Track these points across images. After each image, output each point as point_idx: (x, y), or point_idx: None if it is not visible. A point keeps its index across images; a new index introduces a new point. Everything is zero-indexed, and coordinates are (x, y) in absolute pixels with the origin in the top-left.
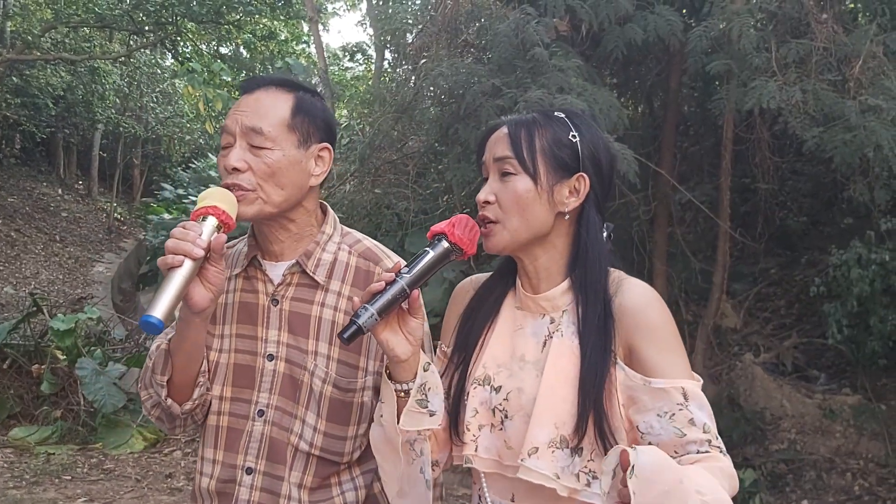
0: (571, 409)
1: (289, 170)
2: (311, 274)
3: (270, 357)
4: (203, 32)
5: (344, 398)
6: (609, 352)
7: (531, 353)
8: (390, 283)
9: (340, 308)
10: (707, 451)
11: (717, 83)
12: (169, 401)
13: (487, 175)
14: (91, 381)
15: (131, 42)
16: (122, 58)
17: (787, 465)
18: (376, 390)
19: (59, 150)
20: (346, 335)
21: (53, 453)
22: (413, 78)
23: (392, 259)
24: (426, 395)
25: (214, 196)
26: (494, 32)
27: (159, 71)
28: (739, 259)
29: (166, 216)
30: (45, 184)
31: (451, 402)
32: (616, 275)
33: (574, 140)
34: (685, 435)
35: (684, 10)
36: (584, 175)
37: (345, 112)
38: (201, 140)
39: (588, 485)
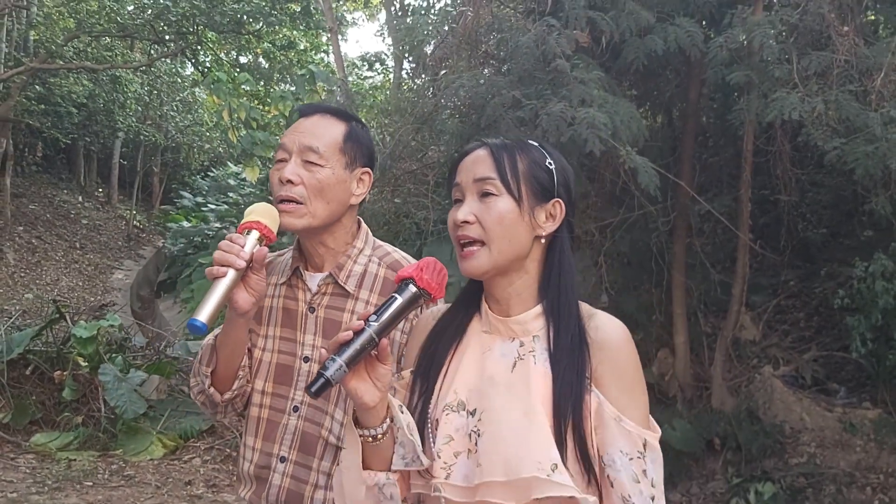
0: (549, 433)
1: (336, 187)
2: (342, 284)
3: (307, 359)
4: (223, 42)
5: None
6: (584, 376)
7: (501, 373)
8: (358, 333)
9: None
10: None
11: (736, 95)
12: (212, 389)
13: (461, 197)
14: (113, 388)
15: (152, 51)
16: (144, 67)
17: (807, 479)
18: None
19: (80, 157)
20: (313, 389)
21: (74, 459)
22: (432, 89)
23: None
24: (413, 435)
25: (259, 212)
26: (515, 44)
27: (179, 80)
28: (758, 271)
29: (185, 224)
30: (65, 191)
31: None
32: (584, 306)
33: (551, 167)
34: (638, 482)
35: (704, 22)
36: (560, 200)
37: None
38: (220, 149)
39: None
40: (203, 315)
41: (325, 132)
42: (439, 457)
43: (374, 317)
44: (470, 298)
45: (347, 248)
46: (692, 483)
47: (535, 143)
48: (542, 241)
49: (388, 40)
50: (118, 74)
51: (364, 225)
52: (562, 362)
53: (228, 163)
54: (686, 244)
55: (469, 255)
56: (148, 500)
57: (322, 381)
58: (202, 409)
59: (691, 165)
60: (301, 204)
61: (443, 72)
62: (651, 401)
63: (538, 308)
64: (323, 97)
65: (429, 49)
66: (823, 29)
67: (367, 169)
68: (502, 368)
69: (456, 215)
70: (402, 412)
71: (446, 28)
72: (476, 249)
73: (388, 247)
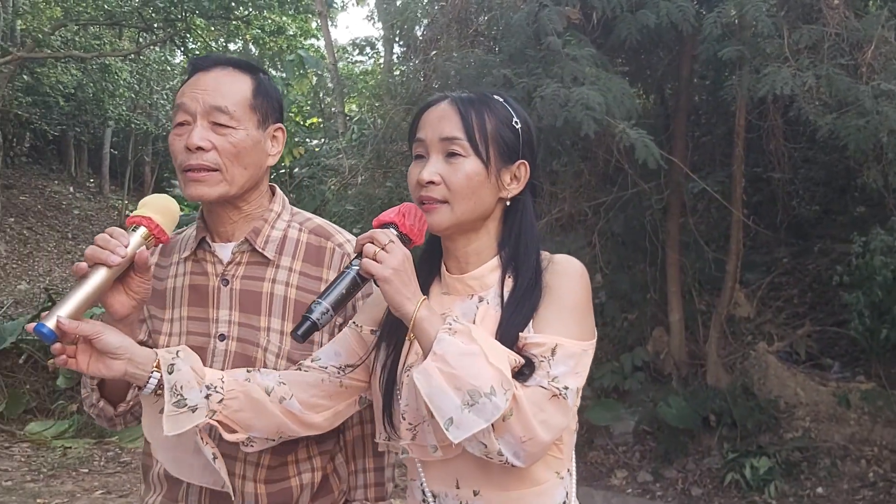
0: None
1: (252, 149)
2: (260, 250)
3: (222, 337)
4: (212, 28)
5: None
6: (528, 320)
7: None
8: (340, 275)
9: (292, 283)
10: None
11: (728, 72)
12: (101, 402)
13: (424, 154)
14: None
15: (141, 39)
16: (132, 55)
17: (802, 453)
18: None
19: (71, 148)
20: (299, 332)
21: (70, 447)
22: (423, 70)
23: (344, 235)
24: (182, 395)
25: (153, 206)
26: (507, 22)
27: (169, 68)
28: (752, 248)
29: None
30: (56, 182)
31: (384, 394)
32: (546, 254)
33: (517, 127)
34: (536, 379)
35: None
36: (525, 162)
37: (354, 106)
38: None
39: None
40: (51, 319)
41: (232, 88)
42: (404, 419)
43: (356, 260)
44: (431, 260)
45: (263, 212)
46: (688, 459)
47: (501, 99)
48: (507, 202)
49: (379, 24)
50: (107, 63)
51: (279, 190)
52: (511, 307)
53: None
54: (680, 222)
55: (430, 210)
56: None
57: (308, 323)
58: (97, 421)
59: (684, 143)
60: (216, 171)
61: (433, 52)
62: (647, 379)
63: (494, 261)
64: (313, 82)
65: (419, 31)
66: (814, 2)
67: (280, 125)
68: None
69: (422, 175)
70: (172, 372)
71: (436, 8)
72: (437, 206)
73: (307, 213)
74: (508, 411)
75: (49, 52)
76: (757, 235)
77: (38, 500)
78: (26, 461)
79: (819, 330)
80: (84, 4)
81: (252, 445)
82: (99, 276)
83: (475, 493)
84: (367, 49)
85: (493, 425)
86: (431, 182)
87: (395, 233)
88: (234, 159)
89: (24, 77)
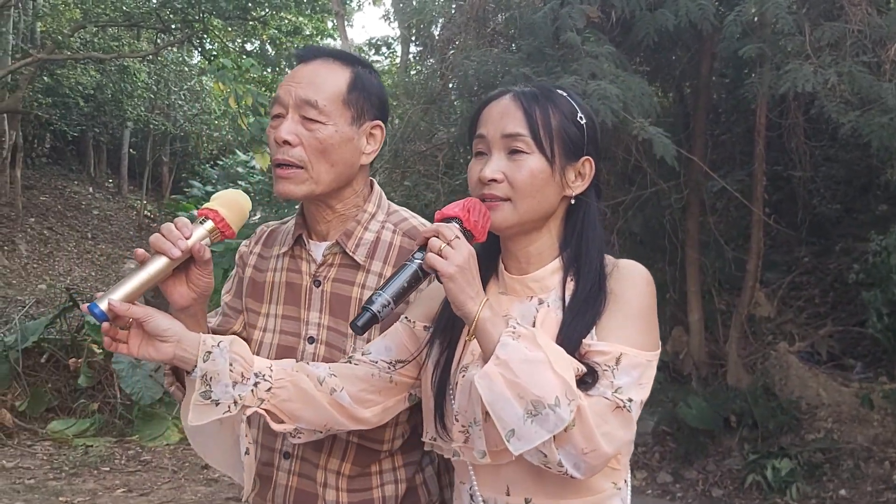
0: None
1: (341, 146)
2: (350, 254)
3: (311, 340)
4: (229, 29)
5: None
6: (591, 326)
7: None
8: (401, 267)
9: None
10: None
11: (747, 70)
12: (173, 388)
13: (485, 151)
14: (128, 375)
15: (159, 40)
16: (151, 56)
17: (824, 455)
18: None
19: (90, 148)
20: (359, 324)
21: (91, 445)
22: (440, 69)
23: None
24: (210, 386)
25: (223, 200)
26: (528, 21)
27: (186, 69)
28: (772, 248)
29: (196, 213)
30: (76, 182)
31: (436, 393)
32: (610, 259)
33: (582, 122)
34: (599, 390)
35: None
36: (591, 159)
37: None
38: (229, 137)
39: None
40: (105, 301)
41: (326, 82)
42: (457, 420)
43: (419, 253)
44: (488, 258)
45: (357, 213)
46: (708, 460)
47: (564, 93)
48: (571, 201)
49: (395, 24)
50: (126, 64)
51: (377, 187)
52: (573, 311)
53: (237, 151)
54: (699, 221)
55: (493, 207)
56: (165, 484)
57: (368, 315)
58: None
59: (704, 142)
60: (301, 168)
61: (451, 52)
62: (666, 379)
63: (556, 262)
64: None
65: (436, 30)
66: None
67: (379, 122)
68: None
69: (484, 172)
70: (207, 360)
71: (453, 8)
72: (500, 203)
73: (406, 212)
74: (571, 422)
75: (68, 53)
76: (777, 234)
77: (61, 499)
78: (48, 459)
79: (841, 330)
80: (103, 6)
81: (299, 437)
82: (157, 265)
83: (527, 501)
84: (384, 49)
85: (554, 436)
86: (494, 180)
87: (459, 228)
88: (319, 156)
89: (45, 78)
